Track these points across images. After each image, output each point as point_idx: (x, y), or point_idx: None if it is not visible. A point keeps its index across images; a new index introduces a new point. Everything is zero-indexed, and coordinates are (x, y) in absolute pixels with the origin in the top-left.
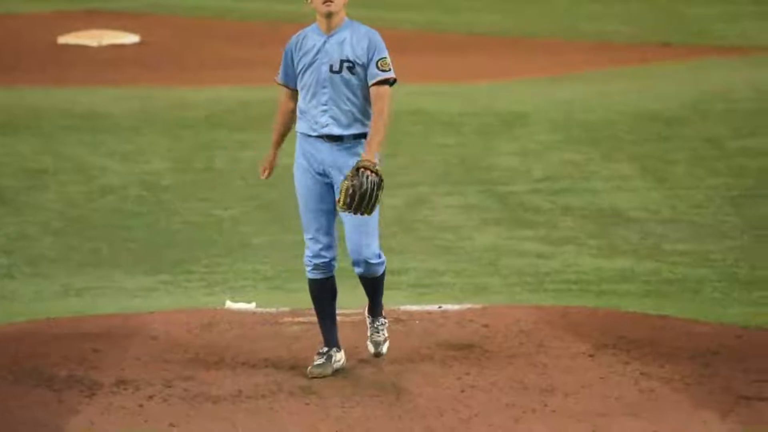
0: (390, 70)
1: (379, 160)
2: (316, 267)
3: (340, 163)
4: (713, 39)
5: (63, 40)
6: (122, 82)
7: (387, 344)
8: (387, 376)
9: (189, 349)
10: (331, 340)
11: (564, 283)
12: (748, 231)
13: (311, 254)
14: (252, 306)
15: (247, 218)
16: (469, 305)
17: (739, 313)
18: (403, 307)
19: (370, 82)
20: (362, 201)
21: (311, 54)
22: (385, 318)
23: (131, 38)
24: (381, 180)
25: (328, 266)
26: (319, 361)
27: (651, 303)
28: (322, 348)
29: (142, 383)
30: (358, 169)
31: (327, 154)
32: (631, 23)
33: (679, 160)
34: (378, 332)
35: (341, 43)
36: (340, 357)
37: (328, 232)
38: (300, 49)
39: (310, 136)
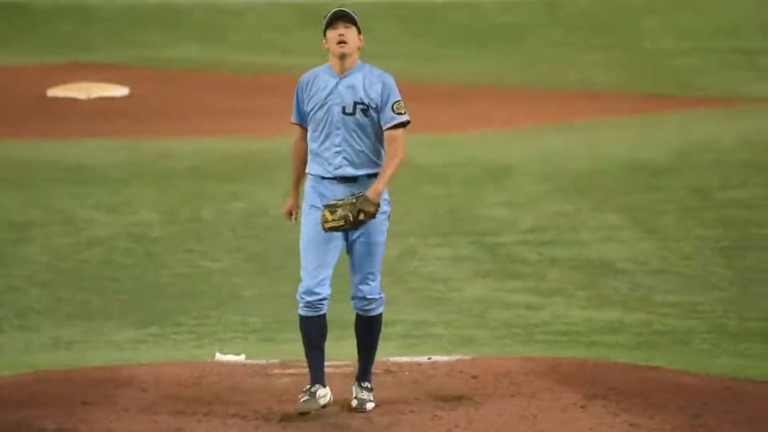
0: (404, 113)
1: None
2: (307, 304)
3: None
4: (699, 90)
5: (52, 92)
6: (110, 134)
7: (372, 404)
8: (377, 427)
9: (179, 401)
10: (316, 377)
11: (553, 335)
12: (737, 282)
13: (303, 290)
14: (242, 358)
15: (236, 270)
16: (458, 356)
17: (728, 364)
18: (392, 358)
19: (385, 126)
20: (347, 228)
21: (323, 94)
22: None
23: (120, 90)
24: (369, 219)
25: (320, 304)
26: (305, 398)
27: (640, 354)
28: (306, 386)
29: None
30: (360, 203)
31: (341, 194)
32: (617, 73)
33: (668, 211)
34: (363, 392)
35: (354, 85)
36: (324, 393)
37: (325, 270)
38: (311, 88)
39: (324, 178)
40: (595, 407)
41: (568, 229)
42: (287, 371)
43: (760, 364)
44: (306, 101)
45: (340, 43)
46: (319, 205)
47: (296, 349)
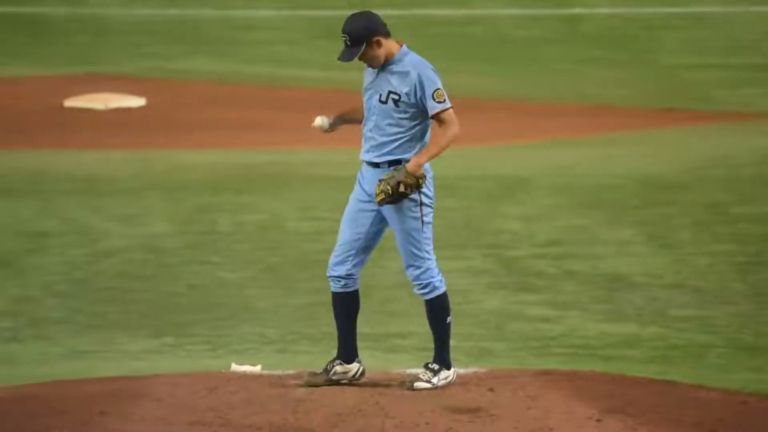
0: (444, 101)
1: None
2: (331, 278)
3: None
4: (714, 105)
5: (69, 103)
6: (126, 145)
7: (425, 384)
8: None
9: (194, 411)
10: (338, 351)
11: (569, 348)
12: (753, 297)
13: (329, 265)
14: (258, 368)
15: (252, 282)
16: (474, 369)
17: (744, 379)
18: (408, 370)
19: (430, 114)
20: (392, 201)
21: (368, 81)
22: (443, 370)
23: (137, 101)
24: (413, 190)
25: (341, 282)
26: (317, 371)
27: (656, 368)
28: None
29: None
30: (399, 175)
31: (369, 179)
32: (632, 88)
33: (683, 226)
34: (423, 370)
35: (391, 75)
36: (342, 370)
37: (349, 250)
38: (365, 75)
39: (362, 160)
40: (610, 421)
41: (583, 242)
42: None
43: None
44: (365, 86)
45: (368, 64)
46: (362, 183)
47: (313, 360)
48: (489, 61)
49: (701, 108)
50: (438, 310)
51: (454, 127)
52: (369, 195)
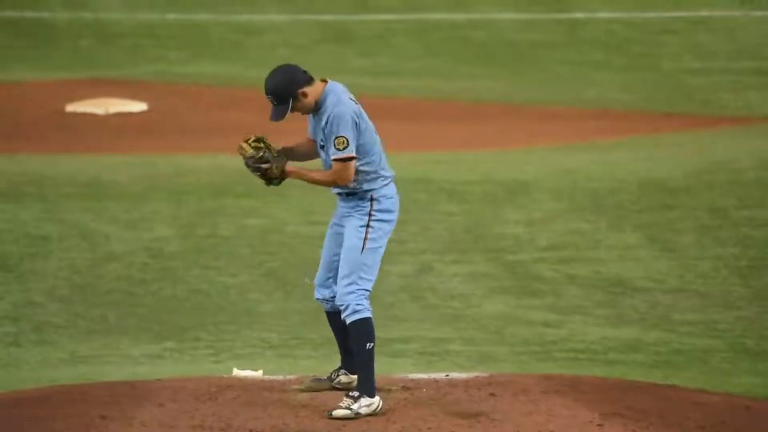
0: (343, 149)
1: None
2: (318, 301)
3: (343, 214)
4: (717, 109)
5: (71, 108)
6: (128, 150)
7: (344, 412)
8: None
9: (196, 416)
10: (343, 362)
11: (571, 352)
12: (755, 301)
13: (315, 289)
14: (259, 373)
15: (253, 286)
16: (476, 374)
17: (747, 383)
18: (410, 375)
19: (330, 158)
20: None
21: (310, 129)
22: (364, 397)
23: (139, 106)
24: (257, 166)
25: (328, 303)
26: (321, 377)
27: (659, 373)
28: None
29: None
30: (278, 162)
31: (340, 210)
32: (634, 92)
33: (685, 230)
34: (344, 402)
35: (318, 120)
36: (347, 380)
37: (328, 272)
38: (308, 122)
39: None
40: (613, 426)
41: (585, 247)
42: (305, 387)
43: None
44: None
45: (302, 113)
46: (336, 211)
47: (314, 365)
48: (490, 65)
49: (703, 112)
50: (358, 334)
51: (337, 175)
52: (340, 220)
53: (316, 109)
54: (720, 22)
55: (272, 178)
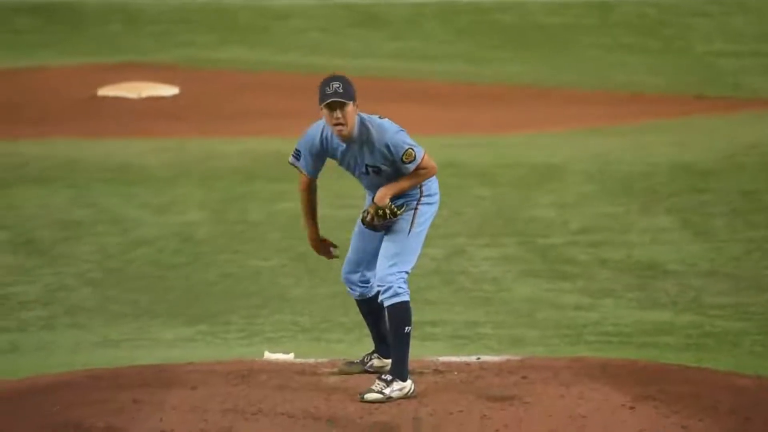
0: (414, 158)
1: (400, 206)
2: (347, 286)
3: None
4: (748, 92)
5: (102, 92)
6: (159, 134)
7: (376, 396)
8: (425, 428)
9: (227, 399)
10: (376, 347)
11: (603, 336)
12: None
13: (343, 274)
14: (291, 356)
15: (284, 270)
16: (507, 357)
17: None
18: (441, 359)
19: (405, 174)
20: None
21: (340, 154)
22: (397, 381)
23: (170, 90)
24: (383, 216)
25: (356, 291)
26: (354, 360)
27: (690, 356)
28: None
29: None
30: (371, 207)
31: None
32: (665, 75)
33: (717, 213)
34: (377, 385)
35: (360, 152)
36: (379, 364)
37: (358, 261)
38: (329, 146)
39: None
40: (644, 408)
41: (617, 230)
42: (335, 370)
43: None
44: (329, 152)
45: (337, 128)
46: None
47: (345, 349)
48: (519, 49)
49: (734, 95)
50: (396, 318)
51: (429, 173)
52: None
53: (351, 136)
54: (751, 5)
55: (380, 216)
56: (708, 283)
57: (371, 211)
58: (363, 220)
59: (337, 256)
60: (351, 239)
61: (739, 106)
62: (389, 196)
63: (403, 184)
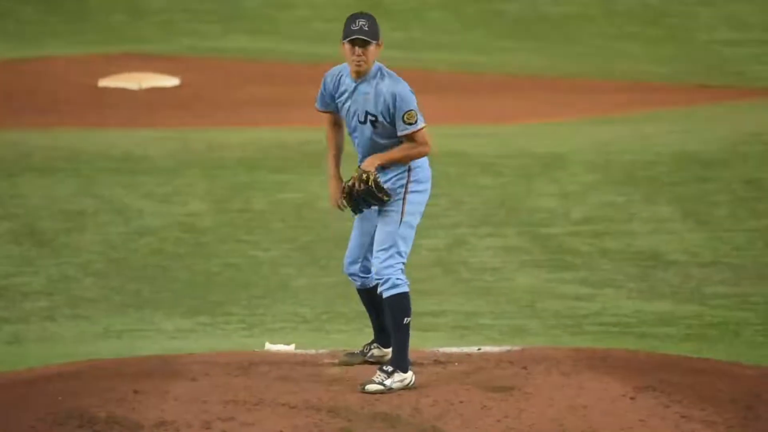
0: (415, 122)
1: (390, 178)
2: (348, 276)
3: None
4: (751, 80)
5: (103, 83)
6: (161, 124)
7: (376, 387)
8: (426, 418)
9: (228, 390)
10: (376, 336)
11: (603, 326)
12: None
13: (344, 264)
14: (292, 348)
15: (286, 260)
16: (508, 347)
17: None
18: (442, 349)
19: (399, 134)
20: (351, 202)
21: (344, 96)
22: (397, 372)
23: (171, 81)
24: (369, 188)
25: (358, 281)
26: (354, 351)
27: (691, 346)
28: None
29: (182, 425)
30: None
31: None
32: (668, 64)
33: (720, 202)
34: (378, 376)
35: (366, 94)
36: (379, 354)
37: (359, 249)
38: (337, 87)
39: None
40: (645, 399)
41: (619, 220)
42: (337, 361)
43: None
44: (335, 97)
45: (356, 62)
46: None
47: (347, 340)
48: (524, 39)
49: (738, 84)
50: (395, 309)
51: (421, 147)
52: None
53: (364, 76)
54: None
55: (362, 181)
56: (710, 273)
57: (354, 175)
58: (344, 188)
59: (343, 209)
60: (352, 230)
61: (742, 95)
62: (376, 165)
63: (393, 154)
